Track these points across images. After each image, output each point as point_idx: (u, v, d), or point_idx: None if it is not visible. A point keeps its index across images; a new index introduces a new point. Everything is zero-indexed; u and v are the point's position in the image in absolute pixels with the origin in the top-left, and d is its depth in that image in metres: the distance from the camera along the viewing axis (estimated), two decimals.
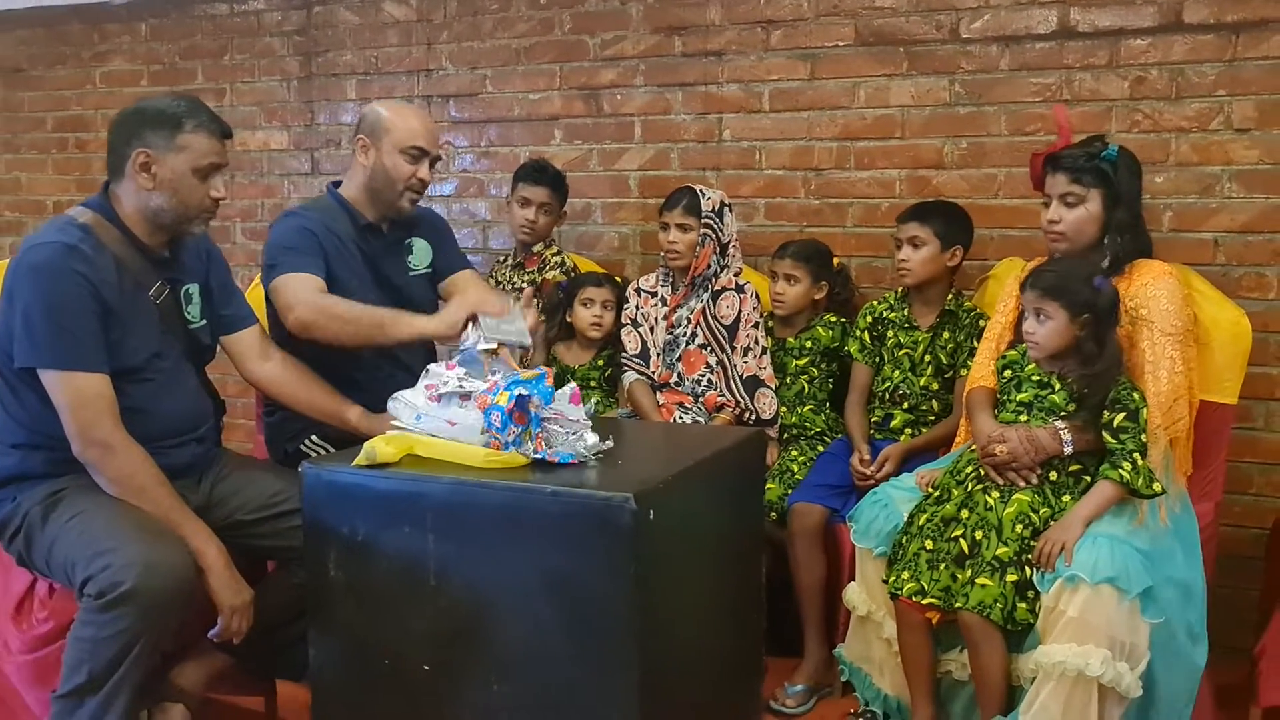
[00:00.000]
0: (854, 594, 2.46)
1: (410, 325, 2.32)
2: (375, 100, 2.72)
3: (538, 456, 1.91)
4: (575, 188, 3.54)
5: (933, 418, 2.82)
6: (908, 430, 2.82)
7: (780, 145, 3.32)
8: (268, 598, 2.19)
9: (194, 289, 2.29)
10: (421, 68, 3.79)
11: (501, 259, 3.44)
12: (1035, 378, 2.31)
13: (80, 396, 2.01)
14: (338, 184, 2.66)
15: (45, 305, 2.00)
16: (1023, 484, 2.24)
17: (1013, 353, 2.40)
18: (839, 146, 3.25)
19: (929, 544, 2.26)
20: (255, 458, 2.72)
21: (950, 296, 2.83)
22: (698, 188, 2.99)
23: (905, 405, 2.83)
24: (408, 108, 2.66)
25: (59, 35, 4.38)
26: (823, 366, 3.02)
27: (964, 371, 2.72)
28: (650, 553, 1.76)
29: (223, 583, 2.06)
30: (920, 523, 2.31)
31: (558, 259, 3.30)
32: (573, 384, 2.04)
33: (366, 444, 1.93)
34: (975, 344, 2.70)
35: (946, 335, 2.81)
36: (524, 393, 1.90)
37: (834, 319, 3.02)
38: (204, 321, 2.30)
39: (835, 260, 3.06)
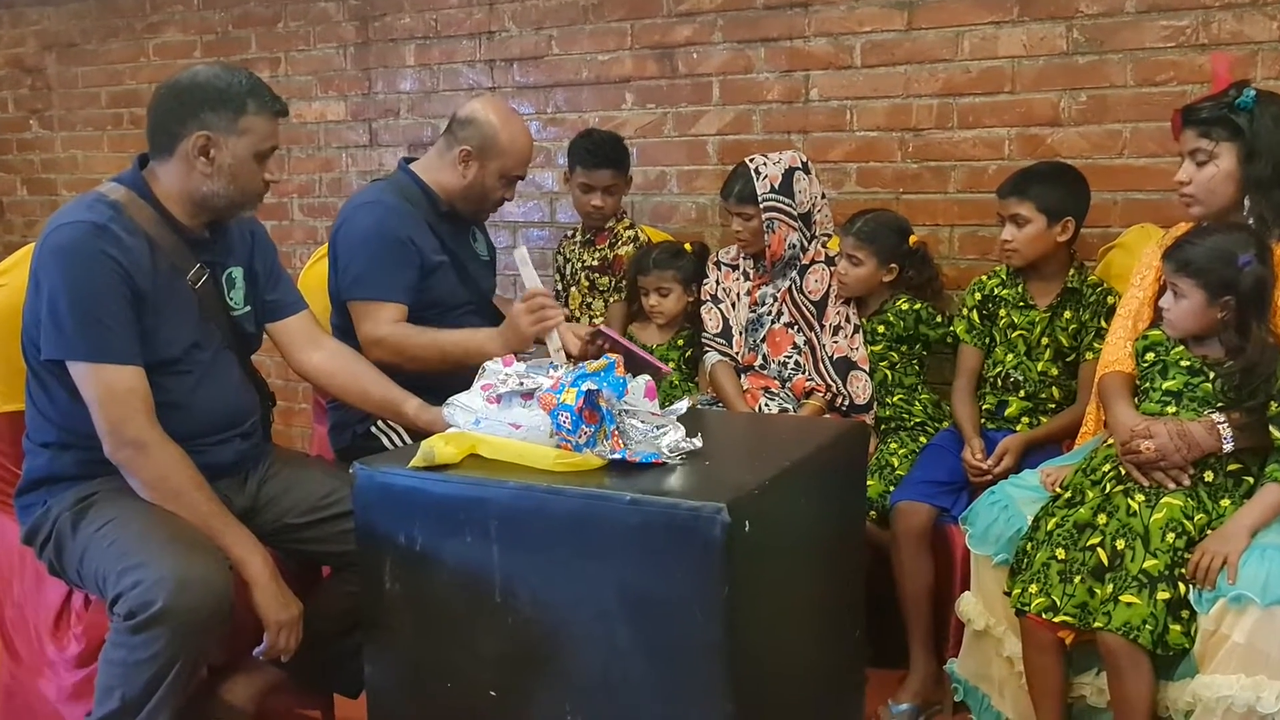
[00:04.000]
0: (969, 605, 2.20)
1: (480, 353, 2.18)
2: (485, 102, 2.51)
3: (615, 457, 1.69)
4: (649, 155, 3.31)
5: (1053, 406, 2.53)
6: (1025, 419, 2.53)
7: (874, 104, 3.03)
8: (321, 607, 2.03)
9: (237, 272, 2.10)
10: (483, 29, 3.56)
11: (569, 234, 3.21)
12: (1184, 363, 2.02)
13: (111, 391, 1.83)
14: (409, 160, 2.58)
15: (72, 291, 1.83)
16: (1172, 486, 1.96)
17: (1155, 333, 2.10)
18: (940, 104, 2.95)
19: (1060, 553, 1.98)
20: (306, 454, 2.55)
21: (1072, 271, 2.53)
22: (753, 164, 2.70)
23: (1021, 392, 2.54)
24: (519, 126, 2.53)
25: (111, 7, 4.26)
26: (903, 350, 2.73)
27: (1089, 355, 2.45)
28: (744, 570, 1.55)
29: (268, 596, 1.88)
30: (1049, 528, 2.03)
31: (630, 233, 3.06)
32: (646, 376, 1.82)
33: (424, 443, 1.74)
34: (1102, 323, 2.43)
35: (1068, 315, 2.51)
36: (593, 387, 1.67)
37: (905, 305, 2.71)
38: (248, 308, 2.12)
39: (912, 239, 2.74)
